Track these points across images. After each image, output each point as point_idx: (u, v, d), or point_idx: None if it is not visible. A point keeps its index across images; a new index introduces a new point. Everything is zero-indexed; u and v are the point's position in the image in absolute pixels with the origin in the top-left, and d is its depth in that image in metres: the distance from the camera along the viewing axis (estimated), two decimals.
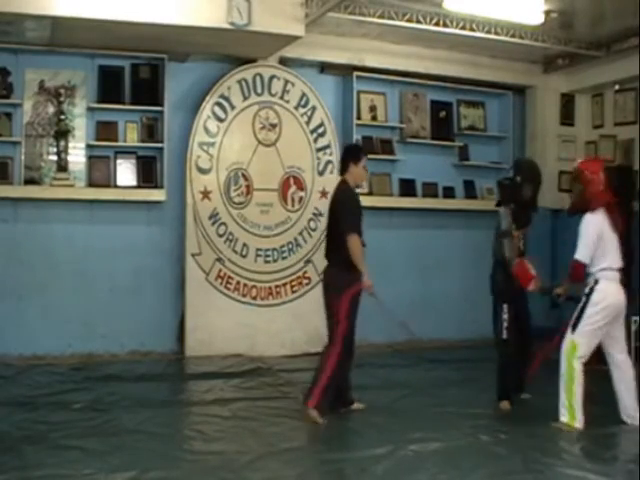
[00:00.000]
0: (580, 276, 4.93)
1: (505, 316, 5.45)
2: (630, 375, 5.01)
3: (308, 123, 7.64)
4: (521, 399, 5.65)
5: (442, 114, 8.51)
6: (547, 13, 6.66)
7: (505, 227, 5.52)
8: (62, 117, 6.83)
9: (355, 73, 7.86)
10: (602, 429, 4.91)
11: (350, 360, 5.43)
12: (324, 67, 7.96)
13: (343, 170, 5.48)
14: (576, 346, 4.87)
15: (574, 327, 4.90)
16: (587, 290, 4.93)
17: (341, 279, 5.25)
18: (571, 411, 4.83)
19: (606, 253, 4.92)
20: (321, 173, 7.71)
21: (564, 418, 4.85)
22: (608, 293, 4.91)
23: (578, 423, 4.83)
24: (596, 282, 4.91)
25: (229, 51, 7.19)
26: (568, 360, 4.88)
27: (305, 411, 5.11)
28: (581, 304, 4.92)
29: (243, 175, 7.40)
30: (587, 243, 4.89)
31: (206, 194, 7.24)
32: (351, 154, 5.50)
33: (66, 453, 4.33)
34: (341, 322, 5.27)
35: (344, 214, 5.26)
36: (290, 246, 7.60)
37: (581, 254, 4.89)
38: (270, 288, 7.51)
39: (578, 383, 4.84)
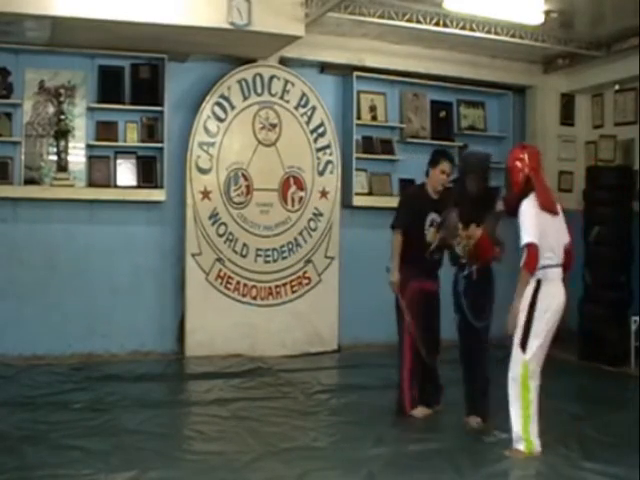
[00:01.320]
0: (536, 262, 4.34)
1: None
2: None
3: (308, 123, 7.64)
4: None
5: (442, 114, 8.50)
6: (547, 13, 6.65)
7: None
8: (62, 117, 6.83)
9: (355, 73, 7.86)
10: (602, 429, 4.91)
11: (429, 360, 5.36)
12: (324, 67, 7.96)
13: (426, 175, 5.50)
14: (528, 367, 4.41)
15: (523, 346, 4.42)
16: (529, 295, 4.41)
17: (402, 274, 5.30)
18: (528, 439, 4.45)
19: (545, 246, 4.38)
20: (321, 173, 7.71)
21: (521, 447, 4.48)
22: (553, 297, 4.44)
23: (537, 448, 4.45)
24: (538, 284, 4.41)
25: (229, 51, 7.19)
26: (523, 384, 4.42)
27: (409, 419, 5.22)
28: (524, 316, 4.39)
29: (243, 175, 7.40)
30: (531, 224, 4.36)
31: (206, 194, 7.24)
32: (430, 159, 5.49)
33: (66, 453, 4.33)
34: (404, 319, 5.29)
35: (395, 212, 5.48)
36: (290, 246, 7.60)
37: (530, 236, 4.32)
38: (270, 288, 7.51)
39: (534, 406, 4.42)
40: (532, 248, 4.33)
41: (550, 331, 4.48)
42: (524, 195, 4.52)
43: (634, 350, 7.08)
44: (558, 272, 4.51)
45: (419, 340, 5.24)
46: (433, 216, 5.31)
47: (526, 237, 4.35)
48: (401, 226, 5.32)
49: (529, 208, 4.44)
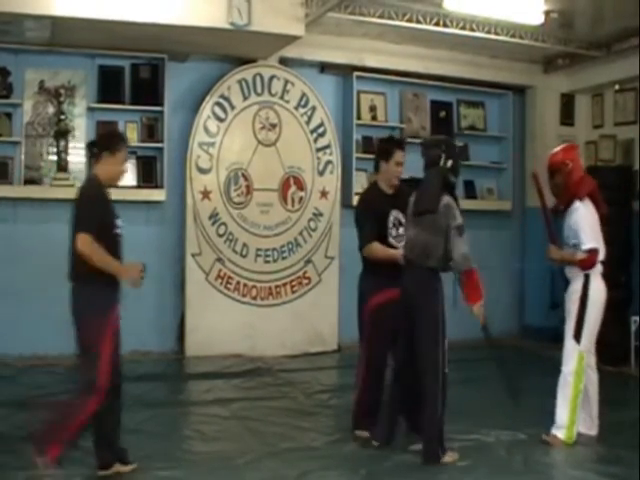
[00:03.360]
0: (595, 265, 4.67)
1: (447, 346, 4.40)
2: (595, 388, 4.83)
3: (308, 123, 7.64)
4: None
5: (442, 114, 8.50)
6: (547, 13, 6.66)
7: (460, 221, 4.44)
8: (62, 117, 6.83)
9: (355, 73, 7.86)
10: (602, 428, 4.90)
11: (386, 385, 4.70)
12: (324, 67, 7.97)
13: (375, 169, 4.95)
14: (583, 357, 4.66)
15: (578, 337, 4.64)
16: (580, 289, 4.67)
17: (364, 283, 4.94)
18: (571, 428, 4.62)
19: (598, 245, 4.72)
20: (321, 173, 7.71)
21: (560, 434, 4.63)
22: (601, 290, 4.72)
23: (574, 438, 4.64)
24: (587, 278, 4.67)
25: (229, 51, 7.19)
26: (577, 374, 4.62)
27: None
28: (577, 307, 4.66)
29: (243, 175, 7.40)
30: (592, 229, 4.68)
31: (206, 194, 7.24)
32: (381, 151, 4.91)
33: (66, 453, 4.32)
34: (363, 337, 4.89)
35: (356, 224, 4.92)
36: (290, 246, 7.60)
37: (593, 241, 4.63)
38: (270, 288, 7.51)
39: (581, 395, 4.67)
40: (595, 253, 4.65)
41: (598, 322, 4.72)
42: (578, 195, 4.72)
43: (634, 350, 7.08)
44: (601, 267, 4.75)
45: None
46: (395, 214, 4.80)
47: (591, 242, 4.66)
48: (371, 240, 4.76)
49: (589, 212, 4.72)
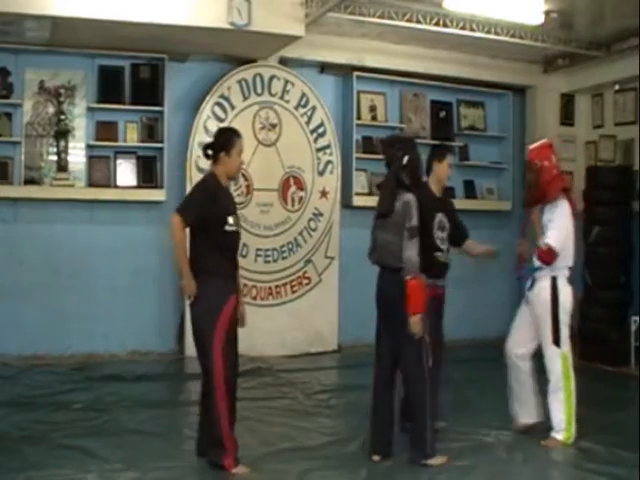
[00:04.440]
0: (551, 263, 4.62)
1: (429, 340, 4.41)
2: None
3: (308, 123, 7.64)
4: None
5: (442, 114, 8.50)
6: (547, 13, 6.66)
7: (414, 223, 4.36)
8: (62, 117, 6.83)
9: (355, 73, 7.86)
10: (602, 429, 4.91)
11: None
12: (324, 67, 7.96)
13: (428, 173, 5.04)
14: (567, 357, 4.67)
15: (557, 341, 4.64)
16: (548, 294, 4.66)
17: None
18: (569, 428, 4.63)
19: (567, 249, 4.69)
20: (321, 173, 7.71)
21: (560, 436, 4.64)
22: (569, 293, 4.72)
23: (573, 438, 4.66)
24: (554, 281, 4.65)
25: (229, 51, 7.19)
26: (565, 375, 4.65)
27: None
28: (549, 313, 4.65)
29: (243, 175, 7.39)
30: (561, 232, 4.63)
31: None
32: (434, 153, 5.10)
33: (66, 453, 4.34)
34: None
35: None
36: (290, 246, 7.60)
37: (556, 241, 4.57)
38: (270, 288, 7.51)
39: (574, 393, 4.67)
40: (553, 255, 4.58)
41: (569, 320, 4.72)
42: (549, 194, 4.69)
43: (634, 350, 7.09)
44: (568, 272, 4.75)
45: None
46: (440, 217, 4.91)
47: (555, 242, 4.59)
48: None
49: (566, 213, 4.69)
